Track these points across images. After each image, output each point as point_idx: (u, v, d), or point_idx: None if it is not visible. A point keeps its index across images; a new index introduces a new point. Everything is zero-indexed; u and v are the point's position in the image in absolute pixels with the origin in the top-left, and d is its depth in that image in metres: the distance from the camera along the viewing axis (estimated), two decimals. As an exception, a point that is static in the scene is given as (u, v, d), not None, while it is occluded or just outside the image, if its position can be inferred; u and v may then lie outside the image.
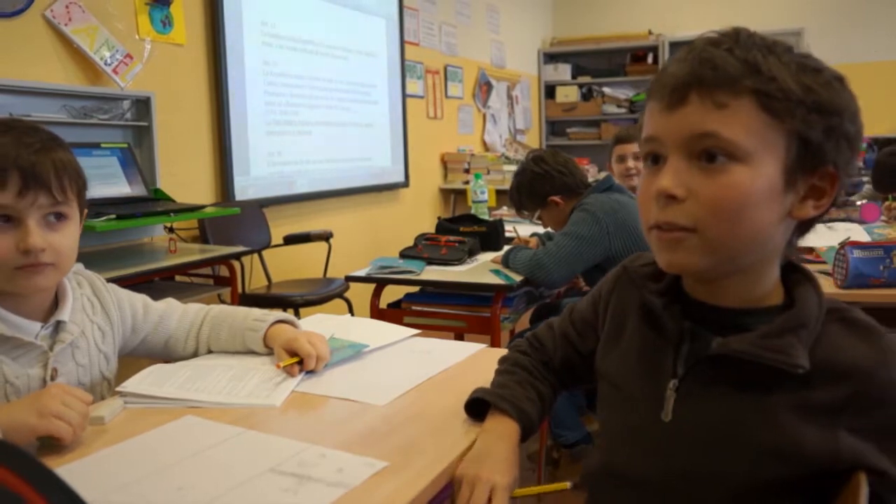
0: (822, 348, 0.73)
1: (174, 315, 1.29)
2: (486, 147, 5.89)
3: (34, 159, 1.01)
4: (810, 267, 2.40)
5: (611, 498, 0.84)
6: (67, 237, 1.06)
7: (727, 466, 0.74)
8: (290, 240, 3.48)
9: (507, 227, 2.87)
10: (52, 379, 1.08)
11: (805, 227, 0.77)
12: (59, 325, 1.11)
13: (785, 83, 0.69)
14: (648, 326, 0.83)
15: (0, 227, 1.00)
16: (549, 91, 7.05)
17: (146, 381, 1.13)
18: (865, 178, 3.63)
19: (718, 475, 0.74)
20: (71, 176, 1.06)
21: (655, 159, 0.75)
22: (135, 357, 1.29)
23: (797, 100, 0.69)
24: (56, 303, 1.12)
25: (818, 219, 0.76)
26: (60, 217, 1.05)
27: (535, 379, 1.00)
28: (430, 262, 2.52)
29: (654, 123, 0.74)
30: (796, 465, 0.72)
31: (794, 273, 0.79)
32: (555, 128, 7.21)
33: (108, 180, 2.48)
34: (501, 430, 0.92)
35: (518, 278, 2.23)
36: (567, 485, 0.98)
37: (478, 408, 0.97)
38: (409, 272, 2.43)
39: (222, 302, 2.83)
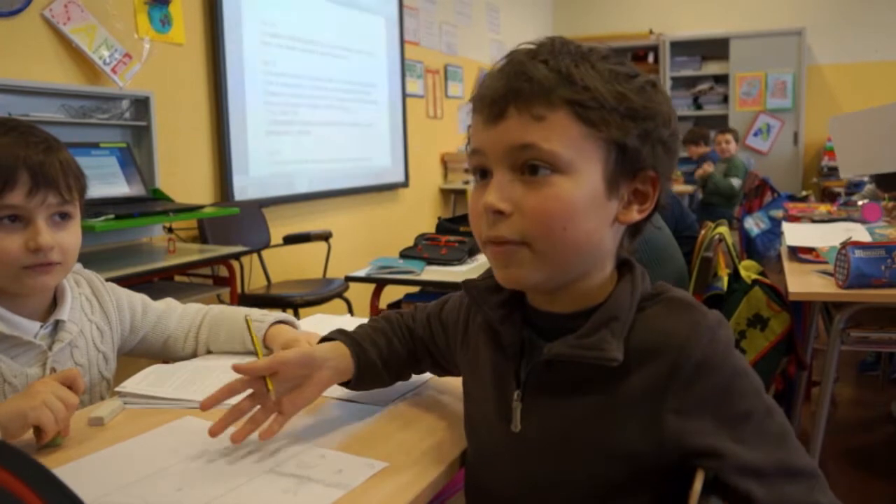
0: (637, 333, 0.73)
1: (173, 315, 1.29)
2: (485, 147, 5.88)
3: (42, 159, 1.01)
4: (811, 267, 2.39)
5: None
6: (73, 236, 1.08)
7: (570, 471, 0.75)
8: (290, 240, 3.48)
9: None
10: None
11: (635, 229, 0.79)
12: (58, 325, 1.11)
13: (598, 92, 0.70)
14: (493, 340, 0.84)
15: (9, 227, 1.01)
16: (549, 91, 7.05)
17: (145, 381, 1.12)
18: (867, 178, 3.63)
19: (564, 480, 0.75)
20: (75, 175, 1.07)
21: (483, 174, 0.76)
22: (133, 357, 1.28)
23: (611, 107, 0.70)
24: (55, 302, 1.12)
25: (646, 222, 0.78)
26: (65, 216, 1.07)
27: (395, 335, 1.02)
28: (431, 262, 2.52)
29: (478, 137, 0.75)
30: (630, 461, 0.72)
31: (623, 266, 0.79)
32: (554, 128, 7.20)
33: (106, 180, 2.48)
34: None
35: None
36: None
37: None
38: (409, 272, 2.43)
39: (221, 302, 2.83)
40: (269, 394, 0.89)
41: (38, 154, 1.01)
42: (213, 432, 0.87)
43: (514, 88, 0.71)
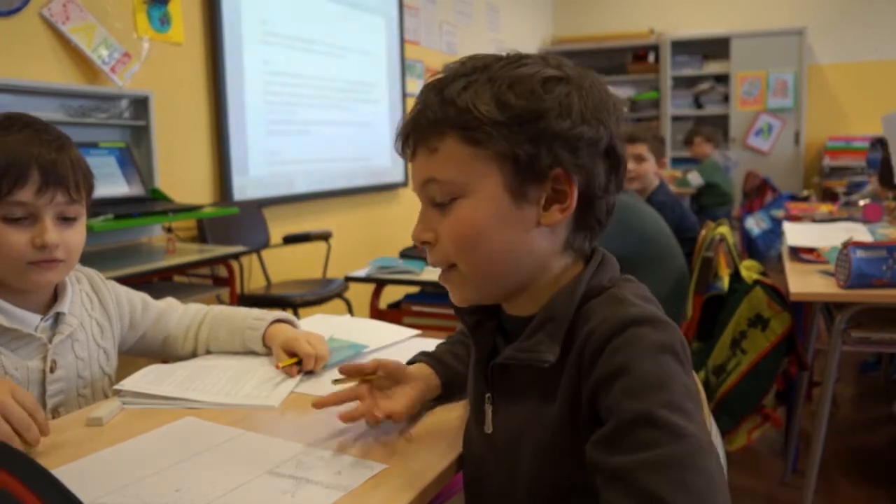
0: (575, 330, 0.73)
1: (174, 314, 1.29)
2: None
3: (54, 157, 1.03)
4: (812, 267, 2.38)
5: None
6: (78, 234, 1.09)
7: (522, 469, 0.76)
8: (290, 240, 3.48)
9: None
10: (52, 371, 1.08)
11: (580, 224, 0.76)
12: (58, 317, 1.11)
13: (478, 111, 0.71)
14: (473, 345, 0.87)
15: (16, 223, 1.01)
16: (549, 90, 7.04)
17: (144, 380, 1.12)
18: (868, 178, 3.62)
19: (518, 479, 0.77)
20: (84, 175, 1.08)
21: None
22: (133, 356, 1.28)
23: (493, 122, 0.71)
24: (55, 297, 1.13)
25: (590, 215, 0.76)
26: (72, 215, 1.07)
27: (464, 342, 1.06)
28: (430, 261, 2.51)
29: (411, 175, 0.80)
30: (577, 459, 0.70)
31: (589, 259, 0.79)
32: (555, 127, 7.20)
33: (106, 180, 2.48)
34: None
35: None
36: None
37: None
38: (409, 272, 2.42)
39: (221, 302, 2.83)
40: (374, 384, 0.97)
41: (51, 152, 1.02)
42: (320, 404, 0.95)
43: (414, 126, 0.76)
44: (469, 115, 0.71)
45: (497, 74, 0.72)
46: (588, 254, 0.80)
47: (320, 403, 0.95)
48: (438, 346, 1.07)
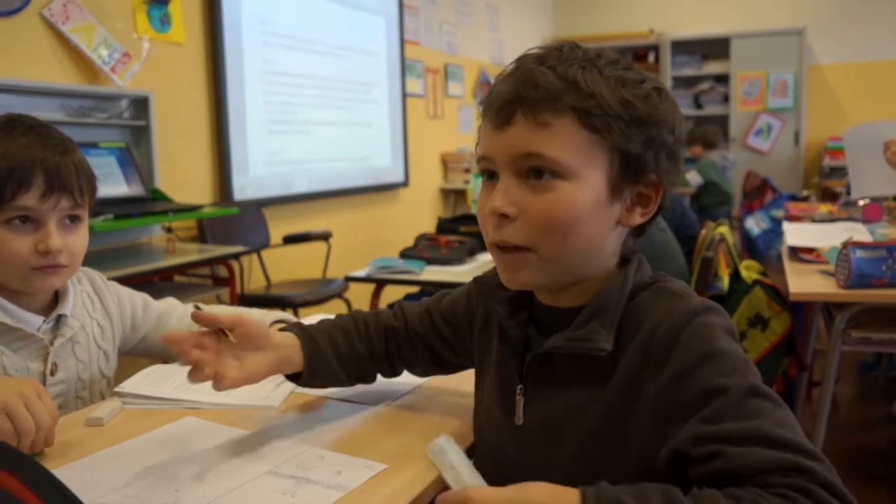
0: (627, 321, 0.74)
1: (174, 314, 1.28)
2: (485, 147, 5.87)
3: (59, 161, 1.01)
4: (811, 267, 2.38)
5: None
6: (82, 238, 1.08)
7: (559, 460, 0.77)
8: (290, 240, 3.48)
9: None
10: (52, 374, 1.08)
11: (639, 229, 0.80)
12: (60, 320, 1.11)
13: (603, 99, 0.71)
14: (501, 335, 0.86)
15: (20, 228, 1.01)
16: (549, 90, 7.04)
17: (144, 381, 1.12)
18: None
19: (552, 471, 0.76)
20: (88, 178, 1.07)
21: (491, 174, 0.77)
22: (134, 356, 1.28)
23: (616, 115, 0.71)
24: (57, 298, 1.13)
25: (650, 223, 0.80)
26: (75, 219, 1.07)
27: (358, 334, 0.98)
28: (431, 262, 2.52)
29: (486, 143, 0.77)
30: (618, 448, 0.72)
31: (624, 260, 0.81)
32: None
33: (106, 180, 2.48)
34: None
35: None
36: None
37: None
38: (409, 272, 2.42)
39: (221, 302, 2.83)
40: (226, 342, 0.85)
41: (55, 156, 1.01)
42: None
43: (522, 95, 0.72)
44: (594, 101, 0.71)
45: (605, 70, 0.72)
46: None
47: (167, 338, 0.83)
48: (321, 323, 0.99)
